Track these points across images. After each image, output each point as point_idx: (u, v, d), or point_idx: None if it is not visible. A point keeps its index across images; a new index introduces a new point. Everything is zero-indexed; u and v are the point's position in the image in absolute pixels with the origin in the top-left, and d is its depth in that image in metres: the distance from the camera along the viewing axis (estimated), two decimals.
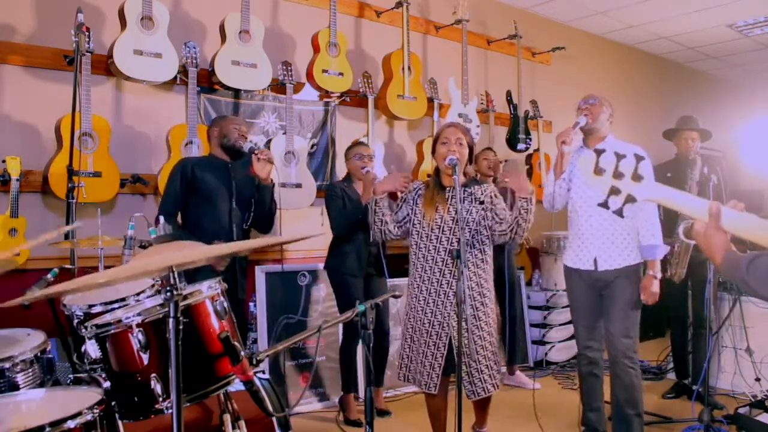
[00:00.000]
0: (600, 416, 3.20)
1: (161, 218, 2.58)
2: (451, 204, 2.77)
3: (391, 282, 4.17)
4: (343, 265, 3.67)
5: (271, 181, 3.32)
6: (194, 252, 1.79)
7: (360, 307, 1.98)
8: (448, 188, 2.82)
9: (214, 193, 3.22)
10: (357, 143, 3.92)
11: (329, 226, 3.74)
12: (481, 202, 2.79)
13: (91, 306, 2.18)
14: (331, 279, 3.78)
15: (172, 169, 3.25)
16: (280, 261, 4.15)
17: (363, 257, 3.68)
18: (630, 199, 1.45)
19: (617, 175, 1.45)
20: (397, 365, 2.96)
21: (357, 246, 3.67)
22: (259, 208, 3.33)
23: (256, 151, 3.21)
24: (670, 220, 3.79)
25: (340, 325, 4.05)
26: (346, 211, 3.62)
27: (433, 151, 2.87)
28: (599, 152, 1.46)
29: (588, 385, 3.21)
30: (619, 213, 1.49)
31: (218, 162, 3.30)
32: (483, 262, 2.82)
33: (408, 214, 2.89)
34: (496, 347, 2.85)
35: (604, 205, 1.48)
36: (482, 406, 2.96)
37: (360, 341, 3.68)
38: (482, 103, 5.34)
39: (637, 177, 1.44)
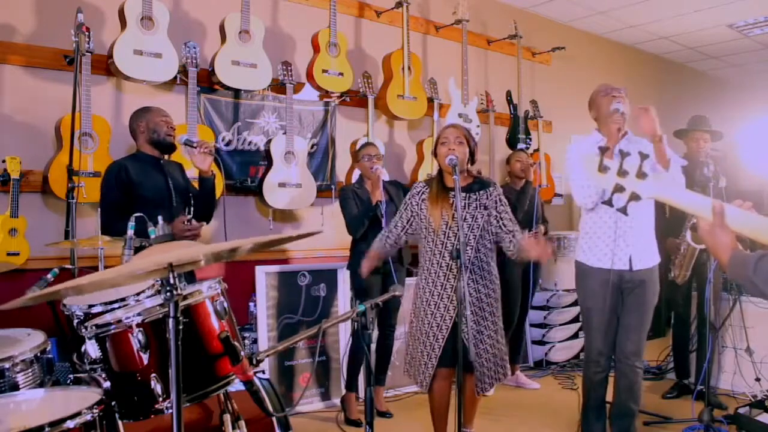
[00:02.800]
0: (601, 421, 3.17)
1: (160, 218, 2.57)
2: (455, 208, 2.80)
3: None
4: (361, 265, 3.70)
5: (212, 172, 3.15)
6: (194, 251, 1.79)
7: (360, 307, 1.97)
8: (451, 192, 2.84)
9: (153, 194, 3.02)
10: (366, 144, 3.95)
11: (343, 225, 3.75)
12: (485, 207, 2.85)
13: (91, 306, 2.17)
14: (351, 279, 3.84)
15: (105, 175, 3.06)
16: (284, 261, 4.15)
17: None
18: (634, 196, 1.45)
19: (621, 172, 1.45)
20: (403, 361, 3.04)
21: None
22: (201, 202, 3.17)
23: (195, 144, 3.07)
24: (676, 218, 3.79)
25: (342, 325, 4.06)
26: (358, 212, 3.66)
27: (435, 153, 2.91)
28: (603, 150, 1.46)
29: (593, 392, 3.12)
30: (623, 210, 1.49)
31: (149, 159, 3.10)
32: (488, 264, 2.88)
33: (411, 218, 2.96)
34: (503, 348, 2.91)
35: (608, 202, 1.48)
36: (472, 404, 3.00)
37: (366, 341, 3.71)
38: (482, 103, 5.33)
39: (641, 174, 1.44)
